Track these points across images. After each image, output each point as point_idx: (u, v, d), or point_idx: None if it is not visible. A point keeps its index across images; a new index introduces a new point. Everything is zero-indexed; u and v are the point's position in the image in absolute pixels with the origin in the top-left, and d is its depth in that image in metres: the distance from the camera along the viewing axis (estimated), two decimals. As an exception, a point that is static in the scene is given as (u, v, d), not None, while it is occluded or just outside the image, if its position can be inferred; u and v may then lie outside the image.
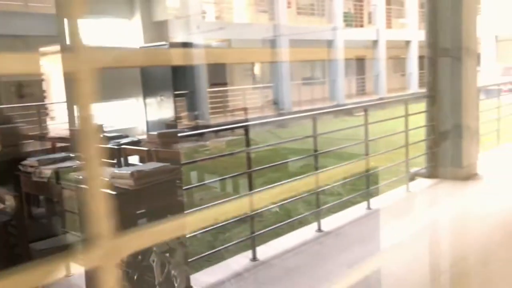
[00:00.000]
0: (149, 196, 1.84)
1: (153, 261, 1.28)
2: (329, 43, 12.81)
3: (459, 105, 3.98)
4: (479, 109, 4.27)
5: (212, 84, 9.15)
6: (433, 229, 2.51)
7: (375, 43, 14.19)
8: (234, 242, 2.51)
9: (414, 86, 14.90)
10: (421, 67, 14.22)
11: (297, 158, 3.01)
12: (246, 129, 2.34)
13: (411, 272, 2.07)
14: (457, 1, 3.82)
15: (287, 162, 2.96)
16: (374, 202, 3.36)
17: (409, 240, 2.38)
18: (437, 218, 2.64)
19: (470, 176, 3.82)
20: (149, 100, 5.60)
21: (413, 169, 4.03)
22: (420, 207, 3.22)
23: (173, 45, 6.28)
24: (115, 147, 2.51)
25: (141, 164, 2.31)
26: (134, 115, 5.46)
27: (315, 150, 3.02)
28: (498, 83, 6.66)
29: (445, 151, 4.01)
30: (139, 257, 1.28)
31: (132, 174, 1.77)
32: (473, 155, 3.98)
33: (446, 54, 3.98)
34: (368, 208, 3.33)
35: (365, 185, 3.46)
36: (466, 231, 2.52)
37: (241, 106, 9.49)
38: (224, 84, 9.95)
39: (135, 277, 1.28)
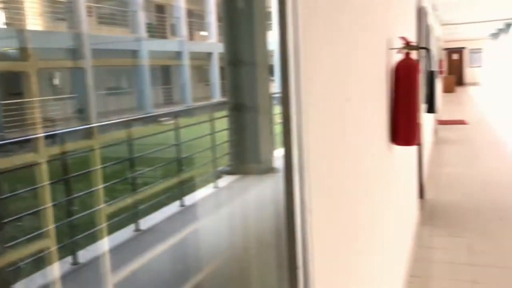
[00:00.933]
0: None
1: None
2: (134, 53, 12.85)
3: (257, 110, 4.58)
4: (273, 113, 4.98)
5: (7, 95, 8.39)
6: (237, 215, 2.94)
7: (179, 54, 14.73)
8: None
9: (217, 94, 15.89)
10: (222, 77, 15.27)
11: (112, 163, 3.16)
12: (62, 138, 2.39)
13: (221, 248, 2.42)
14: (249, 17, 4.41)
15: (102, 167, 3.07)
16: (187, 199, 3.71)
17: (217, 226, 2.74)
18: (240, 205, 3.08)
19: (268, 170, 4.44)
20: None
21: (219, 168, 4.50)
22: (226, 199, 3.66)
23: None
24: None
25: None
26: None
27: (130, 156, 3.22)
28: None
29: (246, 149, 4.58)
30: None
31: None
32: (270, 152, 4.63)
33: (242, 65, 4.55)
34: (182, 205, 3.66)
35: (178, 186, 3.79)
36: (264, 214, 3.00)
37: (43, 118, 8.89)
38: (20, 94, 9.20)
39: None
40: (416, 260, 3.97)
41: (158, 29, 14.91)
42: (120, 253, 2.81)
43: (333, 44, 1.47)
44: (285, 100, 1.12)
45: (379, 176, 2.31)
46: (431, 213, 5.28)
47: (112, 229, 3.19)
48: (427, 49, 4.57)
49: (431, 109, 4.62)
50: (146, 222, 3.26)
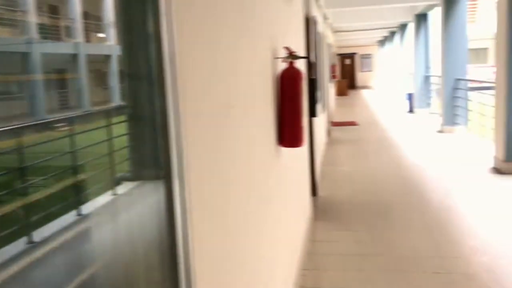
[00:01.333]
0: None
1: None
2: (24, 56, 12.05)
3: (156, 115, 4.60)
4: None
5: None
6: (132, 220, 2.96)
7: (75, 56, 14.06)
8: None
9: (117, 98, 15.40)
10: (122, 80, 14.85)
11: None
12: None
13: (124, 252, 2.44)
14: (144, 21, 4.40)
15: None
16: (84, 207, 3.65)
17: (112, 232, 2.75)
18: (136, 210, 3.10)
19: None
20: None
21: (119, 174, 4.46)
22: (125, 205, 3.65)
23: None
24: None
25: None
26: None
27: (20, 165, 3.10)
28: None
29: (146, 155, 4.57)
30: None
31: None
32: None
33: (140, 68, 4.53)
34: (79, 214, 3.59)
35: (74, 195, 3.71)
36: (158, 217, 3.06)
37: None
38: None
39: None
40: (309, 254, 4.26)
41: (51, 31, 14.12)
42: (9, 268, 2.70)
43: (213, 54, 1.59)
44: (162, 107, 1.20)
45: (266, 176, 2.48)
46: (324, 209, 5.65)
47: None
48: (308, 59, 4.91)
49: (312, 113, 5.02)
50: (39, 234, 3.16)
